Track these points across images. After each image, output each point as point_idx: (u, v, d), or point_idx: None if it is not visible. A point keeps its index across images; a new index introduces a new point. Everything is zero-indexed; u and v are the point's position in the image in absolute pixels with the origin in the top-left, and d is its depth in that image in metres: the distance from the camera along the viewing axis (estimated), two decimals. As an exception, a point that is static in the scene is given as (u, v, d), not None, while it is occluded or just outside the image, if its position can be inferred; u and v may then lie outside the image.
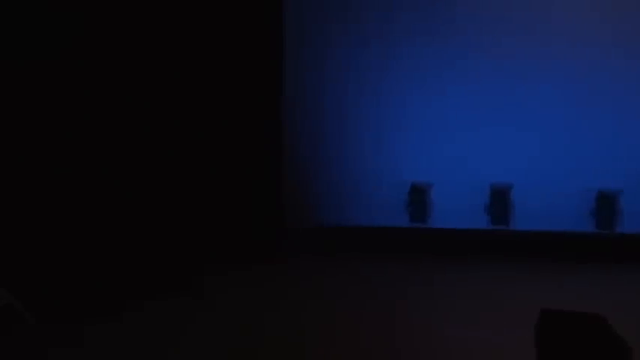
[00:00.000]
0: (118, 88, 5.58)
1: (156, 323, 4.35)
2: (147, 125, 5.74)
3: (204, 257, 5.74)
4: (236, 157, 6.08)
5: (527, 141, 6.23)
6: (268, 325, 4.31)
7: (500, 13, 6.25)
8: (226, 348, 3.92)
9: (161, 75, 5.80)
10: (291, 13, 6.35)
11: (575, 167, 6.17)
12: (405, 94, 6.39)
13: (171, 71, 5.84)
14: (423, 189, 6.33)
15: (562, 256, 5.98)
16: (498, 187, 6.23)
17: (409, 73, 6.37)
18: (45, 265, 4.89)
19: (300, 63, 6.43)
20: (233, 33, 6.04)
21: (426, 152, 6.38)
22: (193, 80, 5.96)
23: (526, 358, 2.94)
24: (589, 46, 6.11)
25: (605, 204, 6.09)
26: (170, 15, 5.83)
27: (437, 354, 3.86)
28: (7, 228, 4.87)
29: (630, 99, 6.12)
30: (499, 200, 6.23)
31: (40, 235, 5.01)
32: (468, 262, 5.93)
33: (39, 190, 5.11)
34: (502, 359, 3.73)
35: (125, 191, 5.57)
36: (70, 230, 5.18)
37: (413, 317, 4.50)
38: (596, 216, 6.11)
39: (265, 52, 6.14)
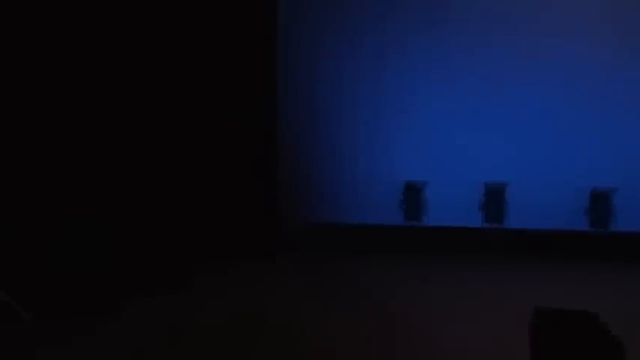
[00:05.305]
0: (113, 87, 5.58)
1: (153, 322, 4.35)
2: (142, 123, 5.73)
3: (200, 256, 5.74)
4: (231, 156, 6.08)
5: (522, 140, 6.24)
6: (264, 324, 4.32)
7: (494, 12, 6.26)
8: (223, 347, 3.92)
9: (158, 73, 5.79)
10: (285, 11, 6.35)
11: (569, 166, 6.19)
12: (399, 92, 6.40)
13: (167, 70, 5.84)
14: (418, 187, 6.35)
15: (556, 254, 6.00)
16: (493, 185, 6.25)
17: (403, 72, 6.38)
18: (42, 263, 4.89)
19: (294, 62, 6.43)
20: (226, 31, 6.04)
21: (420, 151, 6.39)
22: (189, 79, 5.96)
23: (520, 357, 2.95)
24: (584, 45, 6.13)
25: (599, 202, 6.11)
26: (164, 17, 5.83)
27: (431, 352, 3.86)
28: (4, 226, 4.87)
29: (625, 97, 6.14)
30: (493, 199, 6.25)
31: (37, 232, 5.01)
32: (462, 260, 5.94)
33: (35, 188, 5.11)
34: (496, 357, 3.74)
35: (121, 189, 5.57)
36: (66, 227, 5.19)
37: (408, 315, 4.51)
38: (590, 214, 6.14)
39: (259, 50, 6.14)
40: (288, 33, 6.35)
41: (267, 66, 6.17)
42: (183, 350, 3.85)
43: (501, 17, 6.24)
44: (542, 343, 2.67)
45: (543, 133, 6.24)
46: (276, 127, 6.27)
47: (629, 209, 6.06)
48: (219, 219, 6.00)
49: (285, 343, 3.98)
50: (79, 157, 5.42)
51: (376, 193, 6.43)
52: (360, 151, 6.48)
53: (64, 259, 5.01)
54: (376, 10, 6.40)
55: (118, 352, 3.82)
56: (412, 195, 6.35)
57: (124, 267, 5.23)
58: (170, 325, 4.29)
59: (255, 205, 6.11)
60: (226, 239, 5.94)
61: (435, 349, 3.89)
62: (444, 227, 6.31)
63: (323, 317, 4.45)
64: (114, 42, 5.59)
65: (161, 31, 5.80)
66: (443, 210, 6.31)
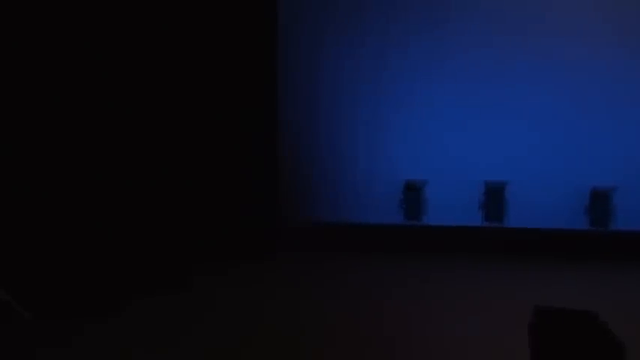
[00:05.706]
0: (113, 87, 5.58)
1: (153, 322, 4.35)
2: (142, 123, 5.73)
3: (200, 255, 5.74)
4: (231, 156, 6.08)
5: (522, 139, 6.24)
6: (264, 324, 4.32)
7: (493, 12, 6.26)
8: (223, 346, 3.93)
9: (158, 73, 5.79)
10: (285, 11, 6.35)
11: (569, 165, 6.19)
12: (399, 92, 6.40)
13: (167, 70, 5.84)
14: (418, 187, 6.35)
15: (556, 253, 6.00)
16: (493, 184, 6.25)
17: (404, 72, 6.38)
18: (42, 262, 4.89)
19: (294, 62, 6.43)
20: (226, 31, 6.04)
21: (420, 150, 6.39)
22: (189, 79, 5.95)
23: (520, 356, 2.96)
24: (584, 45, 6.13)
25: (599, 202, 6.11)
26: (164, 18, 5.83)
27: (431, 352, 3.87)
28: (4, 225, 4.87)
29: (625, 97, 6.14)
30: (494, 198, 6.25)
31: (38, 232, 5.01)
32: (462, 259, 5.94)
33: (35, 188, 5.11)
34: (496, 357, 3.74)
35: (121, 189, 5.57)
36: (66, 227, 5.18)
37: (407, 315, 4.51)
38: (590, 214, 6.14)
39: (259, 50, 6.14)
40: (288, 33, 6.35)
41: (267, 66, 6.17)
42: (183, 350, 3.85)
43: (502, 17, 6.24)
44: (542, 343, 2.67)
45: (543, 133, 6.23)
46: (276, 127, 6.27)
47: (629, 208, 6.05)
48: (219, 219, 6.00)
49: (285, 342, 3.98)
50: (79, 156, 5.41)
51: (376, 193, 6.43)
52: (360, 151, 6.48)
53: (64, 259, 5.01)
54: (377, 10, 6.40)
55: (118, 352, 3.82)
56: (412, 194, 6.35)
57: (124, 267, 5.23)
58: (170, 325, 4.29)
59: (255, 205, 6.11)
60: (226, 239, 5.94)
61: (435, 349, 3.89)
62: (444, 227, 6.30)
63: (323, 317, 4.45)
64: (114, 42, 5.58)
65: (161, 31, 5.80)
66: (443, 209, 6.31)
